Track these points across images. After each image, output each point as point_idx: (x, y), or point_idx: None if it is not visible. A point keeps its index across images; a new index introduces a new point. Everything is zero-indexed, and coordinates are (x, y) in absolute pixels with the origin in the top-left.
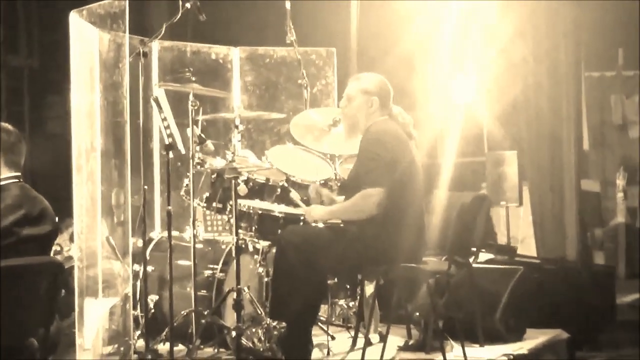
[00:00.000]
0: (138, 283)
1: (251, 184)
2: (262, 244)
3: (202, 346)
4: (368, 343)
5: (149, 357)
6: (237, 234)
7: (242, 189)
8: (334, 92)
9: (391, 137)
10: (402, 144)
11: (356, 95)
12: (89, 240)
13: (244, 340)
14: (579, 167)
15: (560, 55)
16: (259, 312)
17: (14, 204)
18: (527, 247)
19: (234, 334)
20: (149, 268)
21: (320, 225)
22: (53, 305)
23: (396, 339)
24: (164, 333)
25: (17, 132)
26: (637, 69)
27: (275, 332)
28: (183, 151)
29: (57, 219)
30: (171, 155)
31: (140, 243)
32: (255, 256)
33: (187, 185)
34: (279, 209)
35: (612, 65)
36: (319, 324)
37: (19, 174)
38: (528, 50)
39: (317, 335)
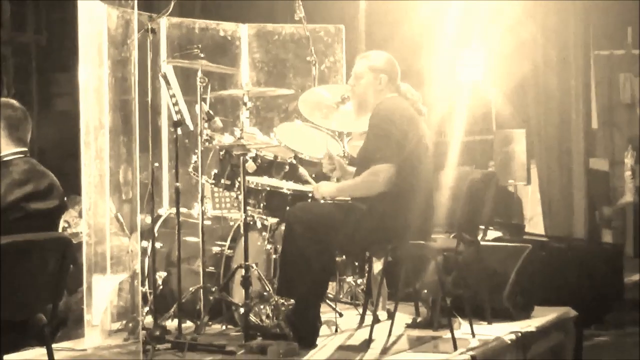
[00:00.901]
0: (146, 260)
1: (259, 160)
2: (271, 221)
3: (210, 323)
4: (376, 320)
5: (157, 333)
6: (245, 210)
7: (251, 165)
8: (342, 70)
9: (400, 114)
10: (412, 121)
11: (364, 73)
12: (98, 217)
13: (252, 317)
14: (588, 146)
15: (569, 34)
16: (267, 289)
17: (22, 179)
18: (535, 226)
19: (242, 310)
20: (157, 245)
21: (329, 201)
22: (61, 281)
23: (404, 317)
24: (172, 309)
25: (23, 108)
26: None
27: (283, 309)
28: (191, 128)
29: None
30: (179, 131)
31: (148, 220)
32: (264, 233)
33: (195, 162)
34: (287, 186)
35: (621, 43)
36: (327, 301)
37: (25, 149)
38: (537, 29)
39: (325, 312)
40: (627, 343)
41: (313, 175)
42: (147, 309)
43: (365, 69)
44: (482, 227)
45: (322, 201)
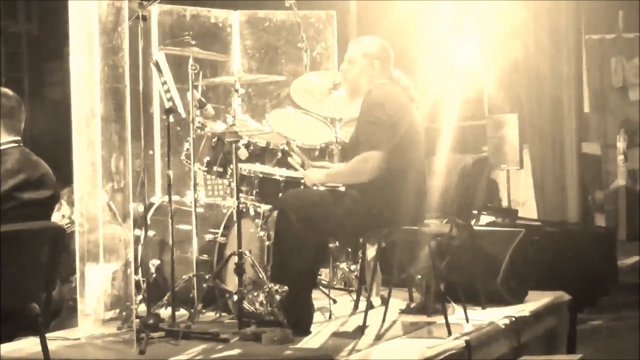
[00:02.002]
0: (139, 248)
1: (252, 147)
2: (264, 208)
3: (203, 310)
4: (370, 306)
5: (151, 321)
6: (238, 198)
7: (243, 152)
8: (334, 55)
9: (392, 100)
10: (403, 107)
11: (357, 58)
12: (90, 206)
13: (245, 304)
14: (580, 130)
15: (561, 18)
16: (261, 276)
17: (15, 168)
18: (528, 210)
19: (235, 298)
20: (150, 233)
21: (322, 188)
22: (55, 270)
23: (398, 302)
24: (166, 298)
25: (17, 97)
26: (637, 31)
27: (277, 296)
28: (183, 115)
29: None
30: (171, 119)
31: (141, 208)
32: (257, 220)
33: (187, 149)
34: (280, 173)
35: (612, 27)
36: (321, 287)
37: (19, 138)
38: (528, 13)
39: (319, 299)
40: (621, 327)
41: (304, 162)
42: (140, 297)
43: (358, 54)
44: (476, 212)
45: (314, 188)
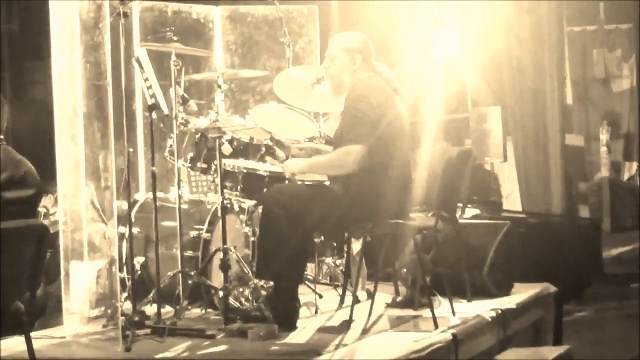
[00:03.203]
0: (124, 245)
1: (235, 143)
2: (248, 203)
3: (189, 307)
4: (356, 301)
5: (136, 319)
6: (222, 193)
7: (227, 148)
8: (316, 50)
9: (376, 94)
10: (388, 100)
11: (338, 54)
12: (74, 204)
13: (231, 300)
14: (563, 122)
15: (542, 10)
16: (246, 272)
17: None
18: (512, 203)
19: (221, 294)
20: (135, 230)
21: (306, 182)
22: (39, 269)
23: (384, 296)
24: (151, 295)
25: None
26: (618, 23)
27: (263, 292)
28: (166, 111)
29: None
30: (154, 115)
31: (125, 205)
32: (241, 216)
33: (171, 145)
34: (264, 168)
35: (594, 19)
36: (307, 282)
37: (1, 137)
38: (510, 5)
39: (305, 294)
40: (606, 318)
41: (289, 157)
42: (125, 294)
43: (338, 50)
44: (460, 205)
45: (298, 182)
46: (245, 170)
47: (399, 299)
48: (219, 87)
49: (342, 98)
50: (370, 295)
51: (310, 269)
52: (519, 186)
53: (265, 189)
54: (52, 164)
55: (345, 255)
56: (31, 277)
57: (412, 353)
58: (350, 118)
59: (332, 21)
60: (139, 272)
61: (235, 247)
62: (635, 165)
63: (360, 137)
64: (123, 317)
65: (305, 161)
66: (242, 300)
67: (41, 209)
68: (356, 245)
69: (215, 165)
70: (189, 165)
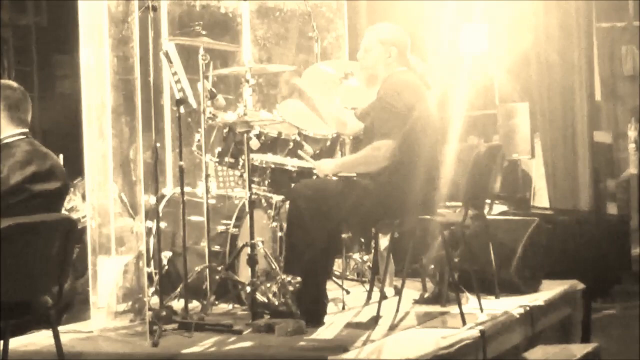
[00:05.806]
0: (151, 240)
1: (263, 138)
2: (276, 199)
3: (216, 302)
4: (383, 297)
5: (164, 313)
6: (250, 188)
7: (255, 143)
8: (344, 45)
9: (409, 88)
10: (420, 95)
11: (374, 45)
12: (101, 198)
13: (258, 296)
14: (591, 119)
15: (571, 6)
16: (273, 267)
17: (24, 160)
18: (540, 199)
19: (248, 289)
20: (162, 225)
21: (334, 178)
22: (67, 263)
23: (412, 292)
24: (178, 289)
25: (22, 89)
26: None
27: (290, 287)
28: (194, 105)
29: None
30: (182, 110)
31: (152, 200)
32: (269, 211)
33: (198, 140)
34: (291, 163)
35: (623, 15)
36: (334, 278)
37: (26, 130)
38: (539, 1)
39: (332, 290)
40: (634, 315)
41: (317, 152)
42: (152, 289)
43: (374, 42)
44: (489, 201)
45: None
46: (273, 165)
47: (426, 295)
48: (247, 81)
49: (372, 91)
50: (398, 292)
51: (337, 264)
52: (547, 183)
53: (293, 184)
54: (79, 158)
55: (372, 251)
56: (59, 270)
57: (439, 350)
58: (382, 111)
59: (360, 16)
60: (166, 267)
61: (262, 242)
62: None
63: (391, 131)
64: (150, 312)
65: (336, 161)
66: (270, 295)
67: (66, 204)
68: (384, 241)
69: (243, 160)
70: (217, 159)
